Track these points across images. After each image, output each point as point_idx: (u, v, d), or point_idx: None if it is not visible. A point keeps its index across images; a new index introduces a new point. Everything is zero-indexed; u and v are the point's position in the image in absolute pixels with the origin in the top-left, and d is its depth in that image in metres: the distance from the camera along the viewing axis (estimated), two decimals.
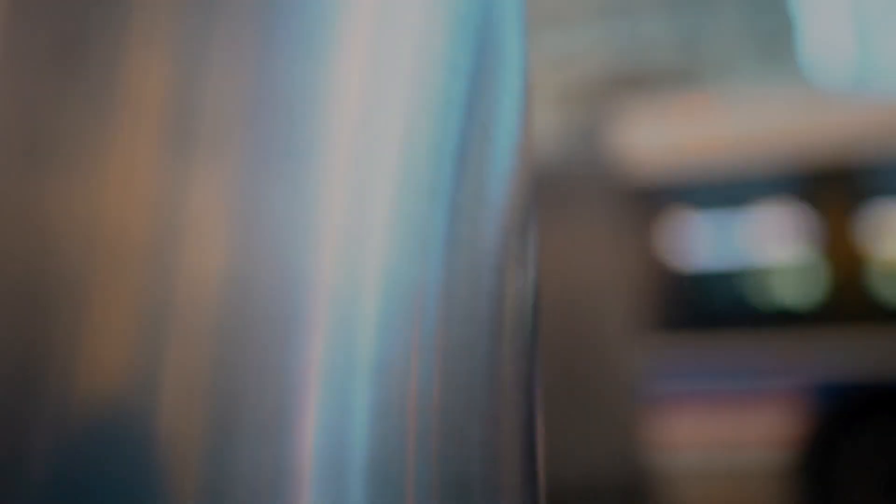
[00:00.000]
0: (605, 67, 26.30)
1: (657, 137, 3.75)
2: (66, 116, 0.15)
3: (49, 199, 0.14)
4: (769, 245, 3.51)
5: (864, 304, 3.36)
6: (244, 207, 0.16)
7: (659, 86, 20.60)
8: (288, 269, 0.17)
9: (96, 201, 0.15)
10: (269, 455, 0.15)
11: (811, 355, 3.36)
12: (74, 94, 0.15)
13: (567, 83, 26.96)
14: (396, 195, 0.19)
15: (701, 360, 3.49)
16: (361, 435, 0.17)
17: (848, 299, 3.38)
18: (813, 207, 3.47)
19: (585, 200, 3.84)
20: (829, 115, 3.57)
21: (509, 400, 0.22)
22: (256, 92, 0.17)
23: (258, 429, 0.15)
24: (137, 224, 0.15)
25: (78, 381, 0.14)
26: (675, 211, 3.68)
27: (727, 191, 3.58)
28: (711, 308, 3.57)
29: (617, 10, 27.01)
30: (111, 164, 0.15)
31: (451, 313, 0.20)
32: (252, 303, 0.16)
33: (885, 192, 3.40)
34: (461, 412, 0.19)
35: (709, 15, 25.69)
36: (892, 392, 3.25)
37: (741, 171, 3.58)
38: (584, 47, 26.64)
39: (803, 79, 21.76)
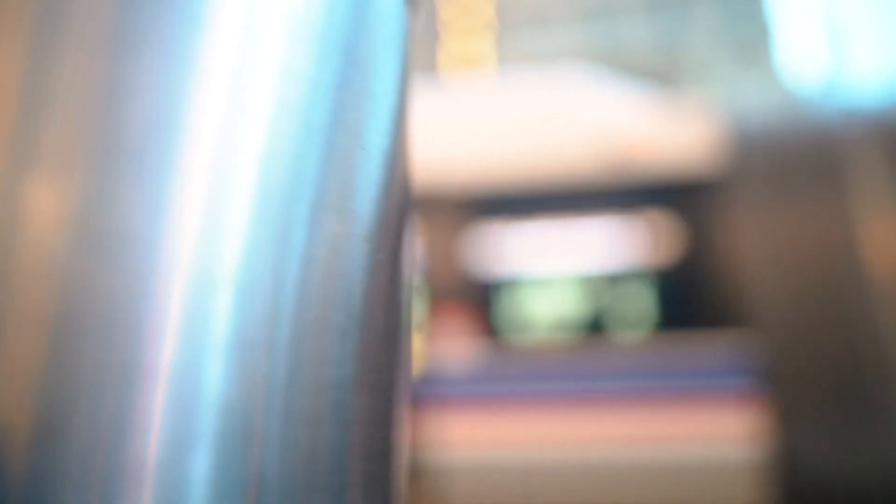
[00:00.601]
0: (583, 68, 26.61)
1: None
2: None
3: None
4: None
5: None
6: (89, 211, 0.17)
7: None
8: (134, 270, 0.17)
9: None
10: (100, 455, 0.15)
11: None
12: None
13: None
14: (255, 200, 0.20)
15: None
16: (207, 430, 0.17)
17: None
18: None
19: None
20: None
21: (362, 401, 0.23)
22: (109, 98, 0.18)
23: (92, 426, 0.15)
24: None
25: None
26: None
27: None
28: None
29: (596, 12, 27.33)
30: None
31: (305, 316, 0.21)
32: (93, 301, 0.16)
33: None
34: (310, 410, 0.20)
35: (686, 19, 26.13)
36: None
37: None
38: (562, 48, 26.89)
39: (779, 82, 22.24)
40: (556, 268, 3.62)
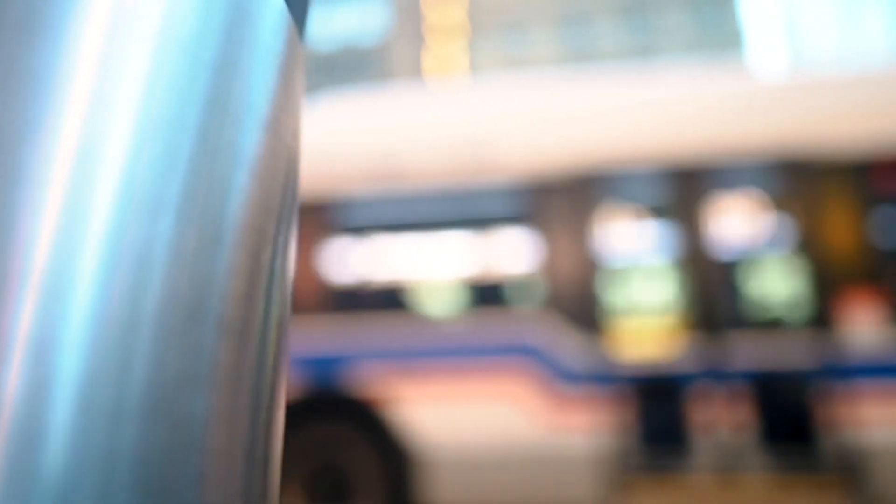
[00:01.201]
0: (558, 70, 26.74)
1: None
2: None
3: None
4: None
5: None
6: None
7: None
8: None
9: None
10: None
11: None
12: None
13: None
14: (116, 206, 0.20)
15: None
16: (60, 420, 0.17)
17: None
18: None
19: None
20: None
21: (225, 400, 0.22)
22: None
23: None
24: None
25: None
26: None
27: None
28: None
29: (571, 15, 27.55)
30: None
31: (171, 322, 0.20)
32: None
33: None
34: (159, 411, 0.20)
35: (660, 20, 26.47)
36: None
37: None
38: (537, 52, 27.06)
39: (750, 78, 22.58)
40: None
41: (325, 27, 29.81)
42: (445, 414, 3.48)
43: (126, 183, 0.20)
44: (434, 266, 3.75)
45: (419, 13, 27.93)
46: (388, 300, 3.72)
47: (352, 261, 3.83)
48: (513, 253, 3.68)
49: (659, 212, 3.65)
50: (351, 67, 28.96)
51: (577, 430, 3.36)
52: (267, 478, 0.26)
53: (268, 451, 0.26)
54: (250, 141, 0.26)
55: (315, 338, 3.73)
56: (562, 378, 3.45)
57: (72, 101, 0.20)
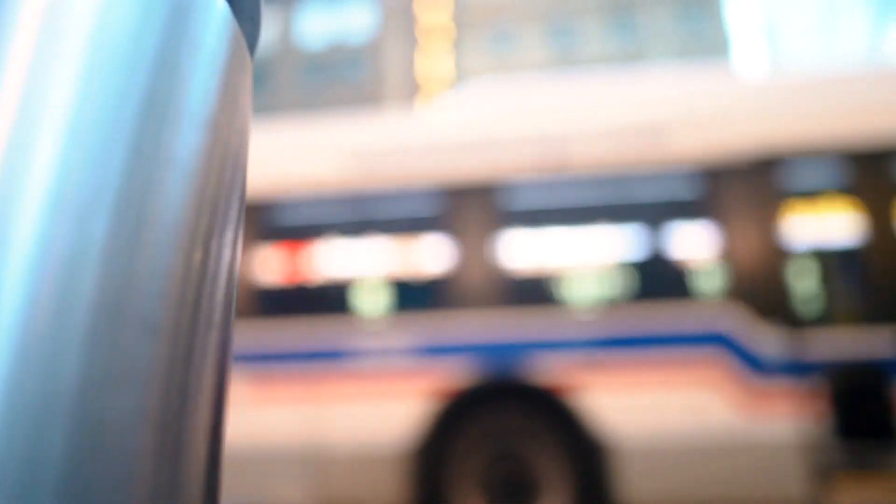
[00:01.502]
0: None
1: None
2: None
3: None
4: None
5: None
6: None
7: None
8: None
9: None
10: None
11: None
12: None
13: None
14: (45, 208, 0.20)
15: None
16: None
17: None
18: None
19: None
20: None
21: (153, 401, 0.22)
22: None
23: None
24: None
25: None
26: None
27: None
28: None
29: (558, 23, 27.69)
30: None
31: (100, 324, 0.20)
32: None
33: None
34: (94, 408, 0.20)
35: (647, 26, 26.69)
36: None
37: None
38: (524, 60, 27.17)
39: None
40: None
41: (315, 25, 29.71)
42: (636, 403, 3.39)
43: (56, 185, 0.20)
44: (613, 254, 3.70)
45: (410, 12, 27.92)
46: (569, 288, 3.68)
47: (529, 249, 3.79)
48: (693, 241, 3.63)
49: (848, 196, 3.56)
50: (341, 66, 28.87)
51: (774, 421, 3.29)
52: (201, 479, 0.26)
53: (202, 452, 0.26)
54: (187, 143, 0.26)
55: (496, 326, 3.66)
56: (755, 367, 3.37)
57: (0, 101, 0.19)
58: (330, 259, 4.00)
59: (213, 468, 0.27)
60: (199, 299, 0.26)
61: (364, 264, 3.95)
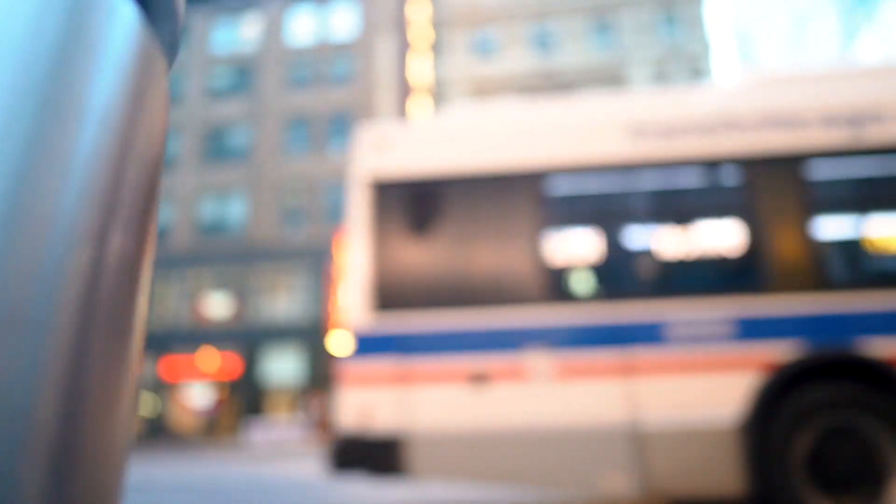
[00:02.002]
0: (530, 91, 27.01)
1: None
2: None
3: None
4: None
5: None
6: None
7: None
8: None
9: None
10: None
11: None
12: None
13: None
14: None
15: None
16: None
17: None
18: None
19: None
20: None
21: (41, 402, 0.22)
22: None
23: None
24: None
25: None
26: None
27: None
28: None
29: (542, 33, 27.86)
30: None
31: None
32: None
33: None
34: None
35: (632, 36, 26.96)
36: None
37: None
38: (509, 72, 27.30)
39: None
40: None
41: (301, 24, 29.59)
42: None
43: None
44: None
45: (401, 13, 27.92)
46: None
47: (847, 225, 3.78)
48: None
49: None
50: (326, 64, 28.78)
51: None
52: (94, 480, 0.25)
53: (93, 453, 0.25)
54: (84, 143, 0.25)
55: (825, 300, 3.64)
56: None
57: None
58: (652, 239, 3.97)
59: (109, 469, 0.26)
60: (88, 299, 0.25)
61: (686, 243, 3.93)
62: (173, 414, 25.26)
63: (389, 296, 4.05)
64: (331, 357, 4.17)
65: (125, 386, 0.28)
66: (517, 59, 27.48)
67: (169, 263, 26.94)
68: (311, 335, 24.97)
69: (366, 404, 3.86)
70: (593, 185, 4.08)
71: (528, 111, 4.32)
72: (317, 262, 25.84)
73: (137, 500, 6.52)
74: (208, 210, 27.74)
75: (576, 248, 4.03)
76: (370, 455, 3.79)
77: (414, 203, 4.19)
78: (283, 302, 25.81)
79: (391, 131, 4.34)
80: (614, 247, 3.96)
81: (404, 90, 21.12)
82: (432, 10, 28.60)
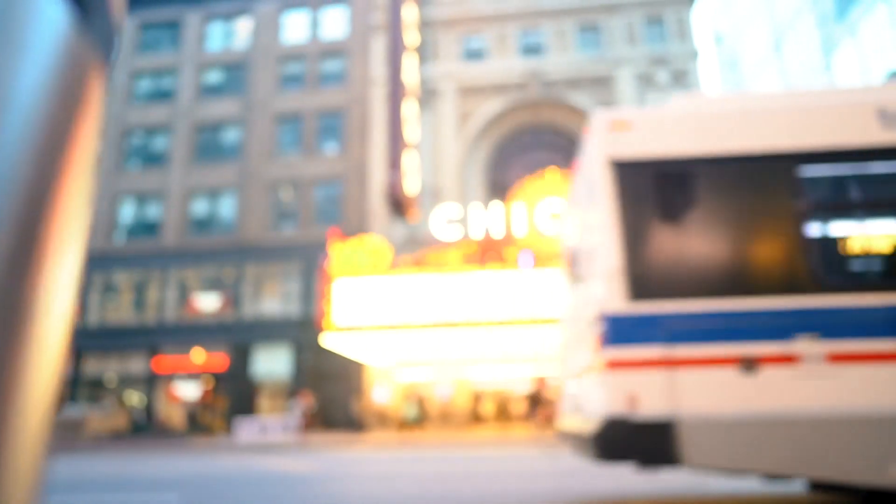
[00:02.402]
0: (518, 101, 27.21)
1: None
2: None
3: None
4: None
5: None
6: None
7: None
8: None
9: None
10: None
11: None
12: None
13: (479, 114, 27.61)
14: None
15: None
16: None
17: None
18: None
19: None
20: None
21: None
22: None
23: None
24: None
25: None
26: None
27: None
28: None
29: (531, 43, 27.99)
30: None
31: None
32: None
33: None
34: None
35: (620, 46, 27.14)
36: None
37: None
38: (497, 74, 27.43)
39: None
40: None
41: (293, 23, 29.61)
42: None
43: None
44: None
45: (391, 12, 28.02)
46: None
47: None
48: None
49: None
50: (318, 64, 28.85)
51: None
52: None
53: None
54: (9, 141, 0.24)
55: None
56: None
57: None
58: None
59: (11, 465, 0.25)
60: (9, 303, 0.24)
61: None
62: (163, 410, 25.41)
63: (646, 284, 3.96)
64: (322, 353, 3.96)
65: (23, 383, 0.27)
66: (505, 62, 27.71)
67: (160, 261, 27.01)
68: (301, 333, 25.15)
69: (633, 388, 3.74)
70: (846, 170, 4.00)
71: (778, 98, 4.29)
72: (308, 261, 26.00)
73: (146, 498, 6.54)
74: (199, 208, 27.82)
75: (837, 233, 3.98)
76: (640, 441, 3.64)
77: (658, 183, 4.13)
78: (273, 300, 25.97)
79: (628, 115, 4.31)
80: (874, 234, 3.88)
81: (396, 90, 21.30)
82: (421, 12, 28.74)
